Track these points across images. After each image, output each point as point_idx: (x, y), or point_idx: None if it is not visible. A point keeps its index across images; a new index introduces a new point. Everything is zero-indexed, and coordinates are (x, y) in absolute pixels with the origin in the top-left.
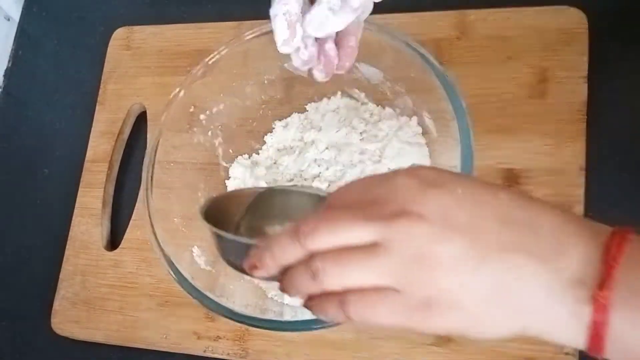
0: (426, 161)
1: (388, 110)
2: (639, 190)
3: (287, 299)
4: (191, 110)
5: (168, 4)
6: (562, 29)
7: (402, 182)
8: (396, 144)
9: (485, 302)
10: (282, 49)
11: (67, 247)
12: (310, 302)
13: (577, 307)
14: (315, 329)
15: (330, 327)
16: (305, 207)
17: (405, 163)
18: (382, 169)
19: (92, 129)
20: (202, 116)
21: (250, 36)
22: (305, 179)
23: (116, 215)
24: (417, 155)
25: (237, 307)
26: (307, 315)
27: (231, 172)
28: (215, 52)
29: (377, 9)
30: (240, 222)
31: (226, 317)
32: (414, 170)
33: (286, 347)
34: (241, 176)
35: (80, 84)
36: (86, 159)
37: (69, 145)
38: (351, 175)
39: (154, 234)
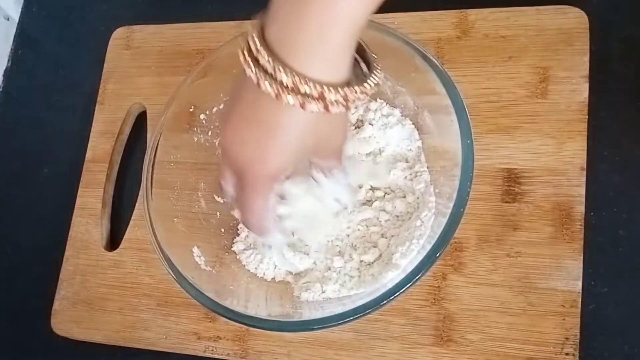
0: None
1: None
2: (639, 190)
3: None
4: (191, 110)
5: (168, 3)
6: (562, 28)
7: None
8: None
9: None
10: None
11: (67, 247)
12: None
13: None
14: (315, 329)
15: (330, 327)
16: None
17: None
18: (381, 162)
19: (92, 129)
20: (202, 116)
21: None
22: None
23: (116, 215)
24: (415, 154)
25: (237, 307)
26: (307, 315)
27: None
28: (215, 52)
29: (377, 9)
30: None
31: (226, 317)
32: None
33: (286, 347)
34: None
35: (80, 84)
36: (86, 159)
37: (69, 145)
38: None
39: (154, 234)
